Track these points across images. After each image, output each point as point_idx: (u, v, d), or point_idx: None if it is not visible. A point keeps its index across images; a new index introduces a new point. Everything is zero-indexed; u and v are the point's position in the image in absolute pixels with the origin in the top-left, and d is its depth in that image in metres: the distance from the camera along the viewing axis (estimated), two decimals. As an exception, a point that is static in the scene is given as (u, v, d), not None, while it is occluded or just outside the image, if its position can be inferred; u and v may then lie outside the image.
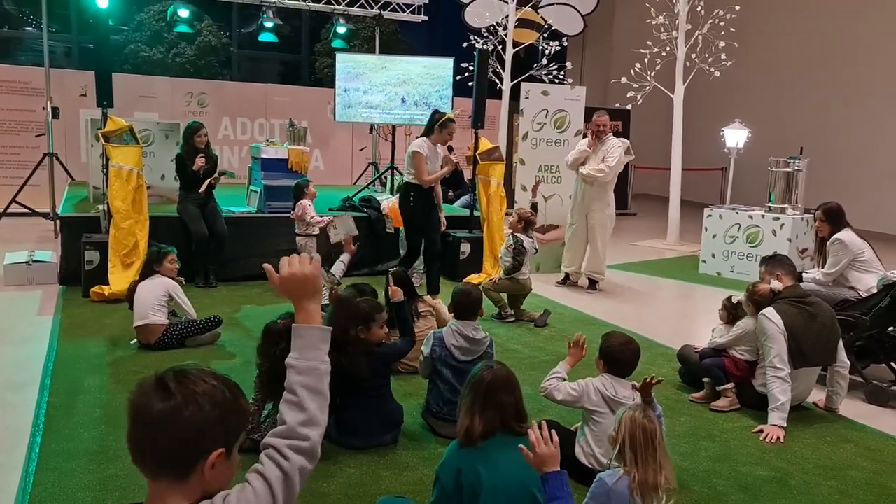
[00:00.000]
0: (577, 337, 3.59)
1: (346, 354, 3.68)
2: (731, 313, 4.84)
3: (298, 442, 1.53)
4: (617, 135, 7.89)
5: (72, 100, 11.17)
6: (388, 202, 7.98)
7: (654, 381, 3.26)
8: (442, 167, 6.59)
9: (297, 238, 7.02)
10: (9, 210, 9.61)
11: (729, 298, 4.97)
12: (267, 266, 1.68)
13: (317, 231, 7.09)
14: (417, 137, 6.78)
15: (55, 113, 9.33)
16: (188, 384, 1.45)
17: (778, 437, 4.10)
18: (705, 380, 4.68)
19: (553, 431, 2.28)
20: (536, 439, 2.23)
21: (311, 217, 6.81)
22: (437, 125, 6.49)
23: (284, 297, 1.68)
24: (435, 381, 4.02)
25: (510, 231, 6.64)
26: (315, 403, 1.57)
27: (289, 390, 1.59)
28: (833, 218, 5.78)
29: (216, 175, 7.12)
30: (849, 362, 4.59)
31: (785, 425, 4.18)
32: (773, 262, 4.73)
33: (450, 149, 7.45)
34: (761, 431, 4.17)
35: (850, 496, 3.53)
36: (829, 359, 4.50)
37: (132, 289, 5.24)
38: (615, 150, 7.30)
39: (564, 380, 3.52)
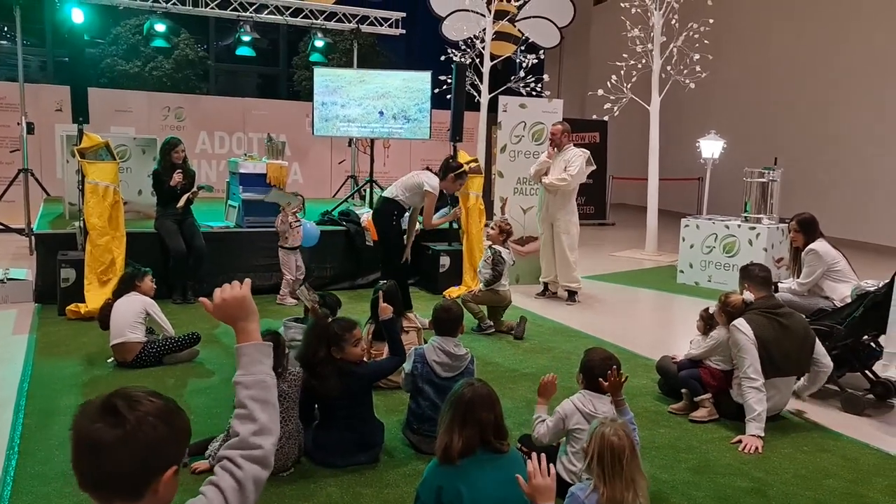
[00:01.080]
0: (548, 378, 3.60)
1: (318, 376, 3.67)
2: (709, 324, 4.88)
3: (251, 451, 1.58)
4: (595, 146, 7.99)
5: (47, 115, 11.07)
6: (368, 215, 7.98)
7: (620, 378, 3.31)
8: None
9: (279, 251, 7.04)
10: (-18, 227, 9.49)
11: (706, 309, 5.01)
12: (202, 299, 1.77)
13: (297, 244, 7.10)
14: (427, 170, 6.88)
15: (30, 128, 9.23)
16: (137, 406, 1.45)
17: (756, 448, 4.14)
18: (683, 391, 4.72)
19: (552, 465, 2.25)
20: (534, 470, 2.21)
21: (279, 226, 6.98)
22: (452, 174, 6.61)
23: (225, 322, 1.76)
24: (416, 397, 4.01)
25: (489, 243, 6.67)
26: (265, 414, 1.63)
27: (239, 405, 1.64)
28: (807, 228, 5.86)
29: (194, 189, 7.09)
30: (832, 364, 4.62)
31: (762, 435, 4.22)
32: (744, 274, 4.81)
33: (454, 200, 7.59)
34: (739, 442, 4.20)
35: (828, 505, 3.57)
36: (802, 369, 4.56)
37: (105, 308, 5.17)
38: (577, 160, 7.42)
39: (545, 420, 3.53)
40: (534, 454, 2.24)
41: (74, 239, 6.88)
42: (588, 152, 7.65)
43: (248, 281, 1.77)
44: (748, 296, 4.59)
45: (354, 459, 3.72)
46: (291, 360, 3.80)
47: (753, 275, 4.72)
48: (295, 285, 6.88)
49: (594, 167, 7.91)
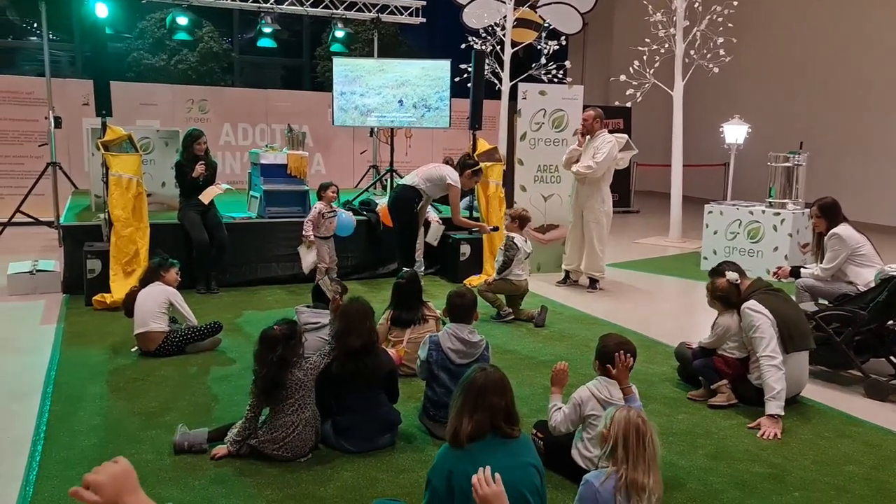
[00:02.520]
0: (560, 366, 3.65)
1: (374, 355, 3.79)
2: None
3: None
4: (618, 132, 7.96)
5: (74, 109, 11.24)
6: (383, 204, 8.06)
7: (627, 362, 3.35)
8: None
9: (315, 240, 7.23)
10: (13, 220, 9.68)
11: None
12: (73, 490, 1.54)
13: (330, 233, 7.18)
14: (446, 164, 7.07)
15: (57, 122, 9.39)
16: None
17: (775, 434, 4.10)
18: (701, 378, 4.69)
19: (497, 475, 2.22)
20: (478, 481, 2.20)
21: (306, 224, 7.09)
22: (469, 171, 6.91)
23: None
24: (431, 384, 4.04)
25: (506, 233, 6.65)
26: None
27: None
28: (828, 213, 5.77)
29: (222, 187, 7.16)
30: None
31: (782, 413, 4.18)
32: (715, 275, 4.79)
33: (471, 191, 7.73)
34: (758, 426, 4.17)
35: (848, 491, 3.53)
36: (810, 340, 4.51)
37: (130, 296, 5.27)
38: (605, 146, 7.31)
39: (560, 408, 3.55)
40: (480, 469, 2.21)
41: (100, 230, 7.00)
42: (625, 137, 7.58)
43: (120, 458, 1.62)
44: (731, 276, 4.59)
45: (374, 443, 3.77)
46: (307, 346, 3.85)
47: (722, 272, 4.73)
48: (330, 273, 6.99)
49: (635, 151, 7.85)
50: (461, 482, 2.56)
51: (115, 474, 1.54)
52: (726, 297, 4.58)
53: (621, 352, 3.39)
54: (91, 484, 1.52)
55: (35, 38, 15.50)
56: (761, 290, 4.51)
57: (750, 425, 4.22)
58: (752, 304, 4.37)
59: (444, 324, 4.28)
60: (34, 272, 6.90)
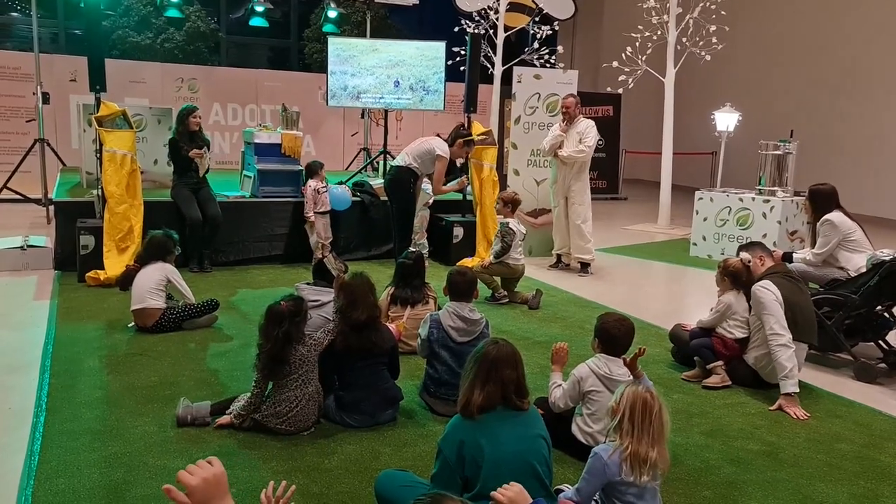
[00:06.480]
0: (560, 345, 3.76)
1: (377, 329, 3.84)
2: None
3: None
4: (608, 120, 8.02)
5: (61, 85, 11.12)
6: (380, 183, 8.08)
7: (640, 352, 3.43)
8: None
9: (314, 217, 7.29)
10: (0, 196, 9.57)
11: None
12: (167, 487, 1.55)
13: (327, 208, 7.22)
14: (436, 137, 7.05)
15: (45, 98, 9.27)
16: None
17: (804, 414, 4.18)
18: (696, 358, 4.76)
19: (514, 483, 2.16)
20: (498, 494, 2.09)
21: (306, 204, 7.24)
22: (461, 140, 6.94)
23: None
24: (433, 362, 4.08)
25: (500, 217, 6.70)
26: None
27: None
28: (815, 199, 5.85)
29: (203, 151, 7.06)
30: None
31: (798, 391, 4.27)
32: (754, 246, 4.86)
33: (464, 167, 7.65)
34: (779, 409, 4.24)
35: (839, 468, 3.62)
36: (813, 336, 4.59)
37: (130, 273, 5.24)
38: (591, 131, 7.50)
39: (560, 385, 3.64)
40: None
41: (92, 207, 6.94)
42: (593, 122, 7.71)
43: (215, 459, 1.63)
44: (745, 256, 4.68)
45: (376, 418, 3.80)
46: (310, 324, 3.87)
47: (765, 246, 4.81)
48: (325, 250, 7.01)
49: (599, 136, 7.98)
50: (472, 452, 2.61)
51: (207, 479, 1.54)
52: (736, 277, 4.67)
53: (641, 348, 3.47)
54: (184, 483, 1.54)
55: (16, 13, 15.28)
56: (780, 274, 4.57)
57: (772, 408, 4.28)
58: (764, 283, 4.45)
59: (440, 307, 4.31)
60: (25, 248, 6.84)
